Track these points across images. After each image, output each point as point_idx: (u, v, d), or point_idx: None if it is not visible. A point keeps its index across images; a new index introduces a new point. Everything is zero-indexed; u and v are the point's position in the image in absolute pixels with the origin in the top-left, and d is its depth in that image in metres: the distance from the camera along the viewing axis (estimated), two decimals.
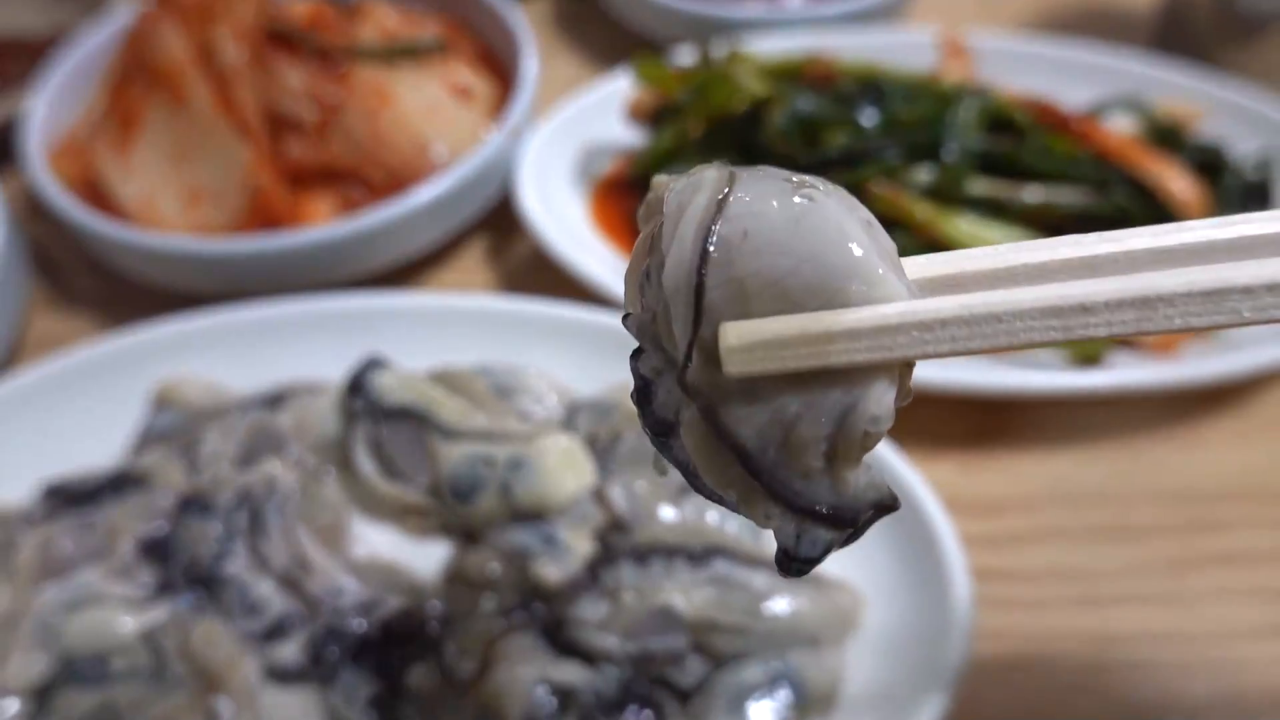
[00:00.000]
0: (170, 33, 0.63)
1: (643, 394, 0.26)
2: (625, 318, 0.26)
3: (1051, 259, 0.23)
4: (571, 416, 0.53)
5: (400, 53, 0.69)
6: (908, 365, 0.24)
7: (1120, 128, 0.66)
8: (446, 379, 0.53)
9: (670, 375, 0.25)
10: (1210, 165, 0.64)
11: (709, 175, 0.24)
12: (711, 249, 0.23)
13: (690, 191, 0.24)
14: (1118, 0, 0.86)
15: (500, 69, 0.74)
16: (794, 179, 0.24)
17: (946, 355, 0.22)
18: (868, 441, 0.23)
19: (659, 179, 0.26)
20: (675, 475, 0.46)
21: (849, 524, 0.23)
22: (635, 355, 0.26)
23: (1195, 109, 0.69)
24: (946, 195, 0.58)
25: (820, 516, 0.23)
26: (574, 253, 0.60)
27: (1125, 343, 0.56)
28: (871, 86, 0.62)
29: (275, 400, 0.55)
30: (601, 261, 0.62)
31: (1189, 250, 0.23)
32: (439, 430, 0.50)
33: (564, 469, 0.48)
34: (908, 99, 0.62)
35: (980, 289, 0.23)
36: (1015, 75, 0.71)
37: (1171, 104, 0.69)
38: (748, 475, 0.24)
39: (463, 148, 0.67)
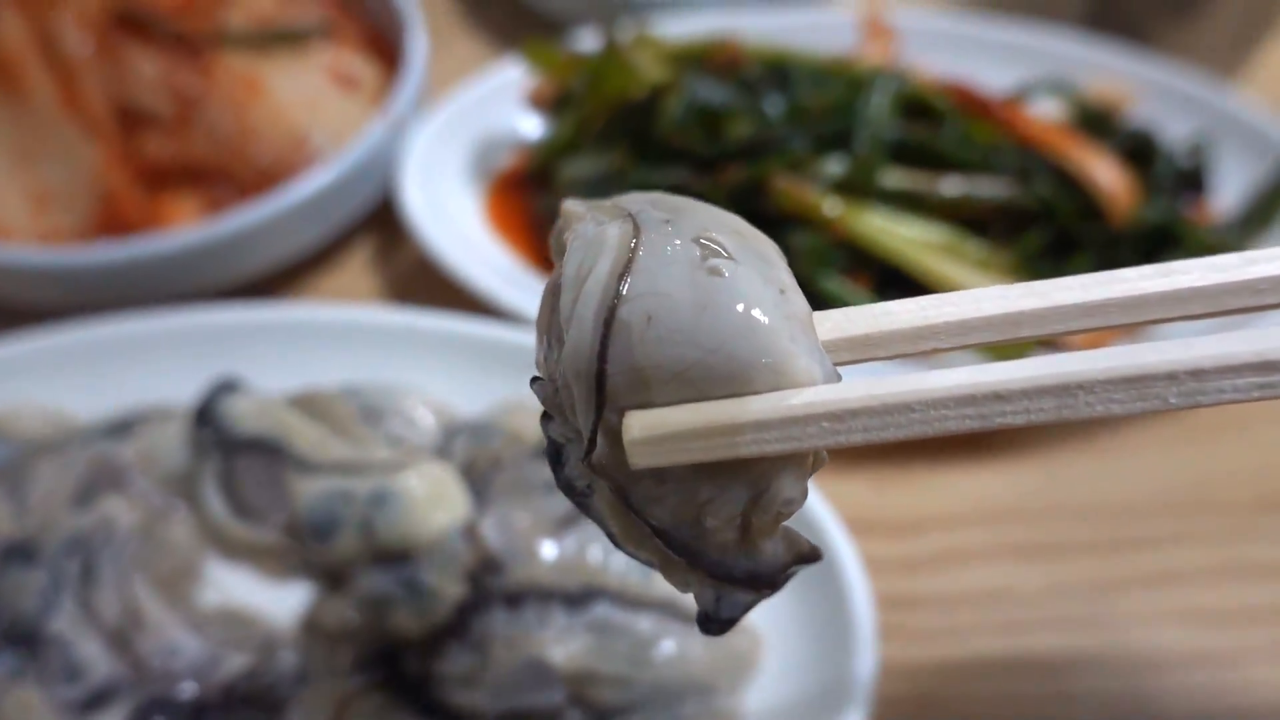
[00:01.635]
0: (8, 19, 0.56)
1: (554, 457, 0.25)
2: (533, 381, 0.25)
3: (975, 315, 0.22)
4: (449, 441, 0.48)
5: (275, 38, 0.64)
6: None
7: (1046, 112, 0.62)
8: (308, 403, 0.48)
9: (579, 445, 0.23)
10: (1141, 152, 0.61)
11: (611, 235, 0.23)
12: (612, 335, 0.22)
13: (592, 255, 0.23)
14: None
15: (391, 53, 0.69)
16: (704, 240, 0.22)
17: (859, 444, 0.22)
18: (780, 518, 0.23)
19: (569, 206, 0.25)
20: (560, 504, 0.42)
21: (767, 585, 0.23)
22: (545, 418, 0.25)
23: (1126, 91, 0.65)
24: (858, 188, 0.54)
25: (739, 581, 0.23)
26: (464, 259, 0.55)
27: (1050, 343, 0.52)
28: (779, 72, 0.58)
29: (121, 428, 0.49)
30: (494, 268, 0.57)
31: (1120, 305, 0.22)
32: (295, 463, 0.45)
33: (432, 502, 0.43)
34: (817, 84, 0.57)
35: (900, 348, 0.23)
36: (938, 57, 0.67)
37: (1102, 86, 0.65)
38: (664, 547, 0.23)
39: (345, 141, 0.62)
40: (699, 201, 0.25)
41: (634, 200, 0.24)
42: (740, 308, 0.21)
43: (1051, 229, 0.55)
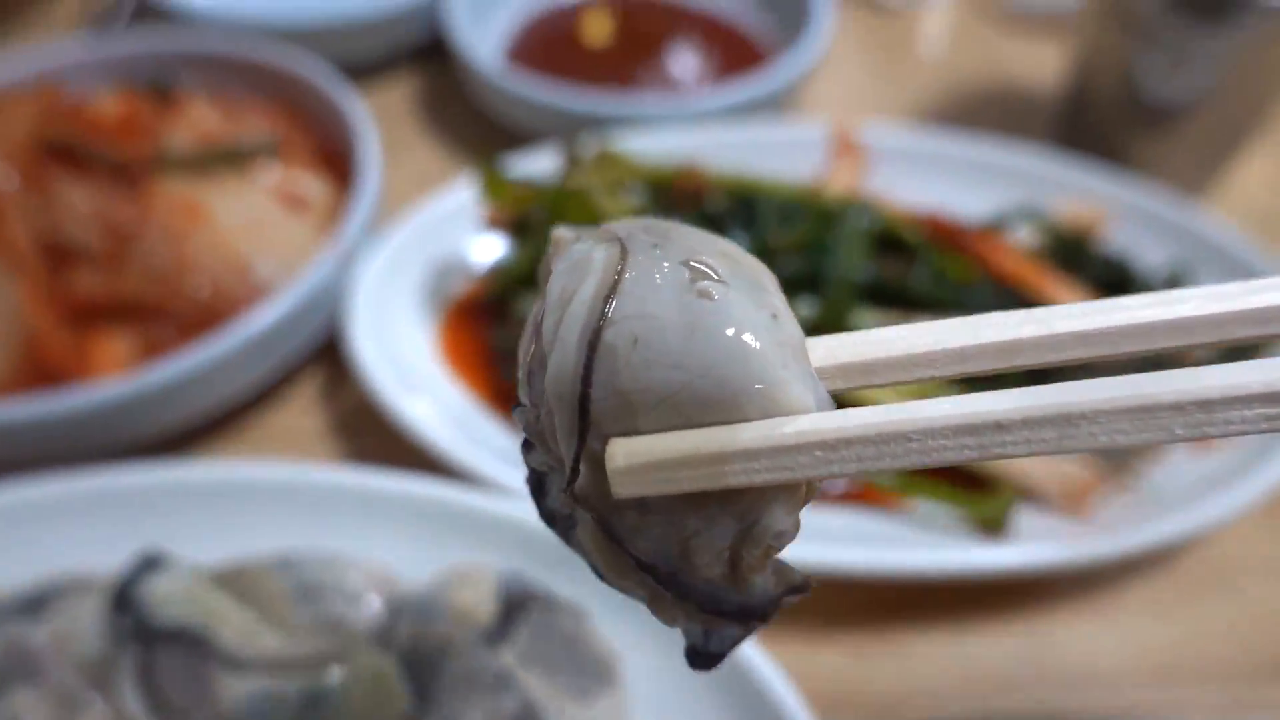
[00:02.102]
0: None
1: (535, 487, 0.23)
2: (515, 408, 0.24)
3: (971, 343, 0.21)
4: (392, 620, 0.44)
5: (219, 159, 0.61)
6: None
7: (1021, 240, 0.60)
8: (238, 580, 0.44)
9: (561, 474, 0.22)
10: (1116, 282, 0.59)
11: (597, 258, 0.22)
12: (596, 358, 0.21)
13: (577, 277, 0.22)
14: (1019, 87, 0.81)
15: (344, 167, 0.66)
16: (694, 263, 0.22)
17: (853, 474, 0.21)
18: (771, 551, 0.21)
19: (558, 233, 0.24)
20: (513, 702, 0.39)
21: (757, 618, 0.22)
22: (525, 446, 0.24)
23: (1099, 212, 0.63)
24: (830, 332, 0.51)
25: (727, 615, 0.22)
26: (412, 408, 0.52)
27: (1025, 492, 0.50)
28: (745, 204, 0.56)
29: (36, 605, 0.45)
30: (446, 410, 0.53)
31: (1120, 333, 0.21)
32: (222, 658, 0.41)
33: (370, 704, 0.40)
34: (786, 217, 0.55)
35: (895, 375, 0.22)
36: (910, 177, 0.66)
37: (1074, 207, 0.64)
38: (651, 581, 0.22)
39: (295, 269, 0.59)
40: (691, 227, 0.24)
41: (623, 225, 0.23)
42: (731, 332, 0.21)
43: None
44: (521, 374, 0.23)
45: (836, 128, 0.67)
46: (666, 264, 0.21)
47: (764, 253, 0.53)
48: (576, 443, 0.21)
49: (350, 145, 0.64)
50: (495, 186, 0.57)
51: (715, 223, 0.54)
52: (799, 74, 0.71)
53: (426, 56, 0.82)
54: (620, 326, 0.21)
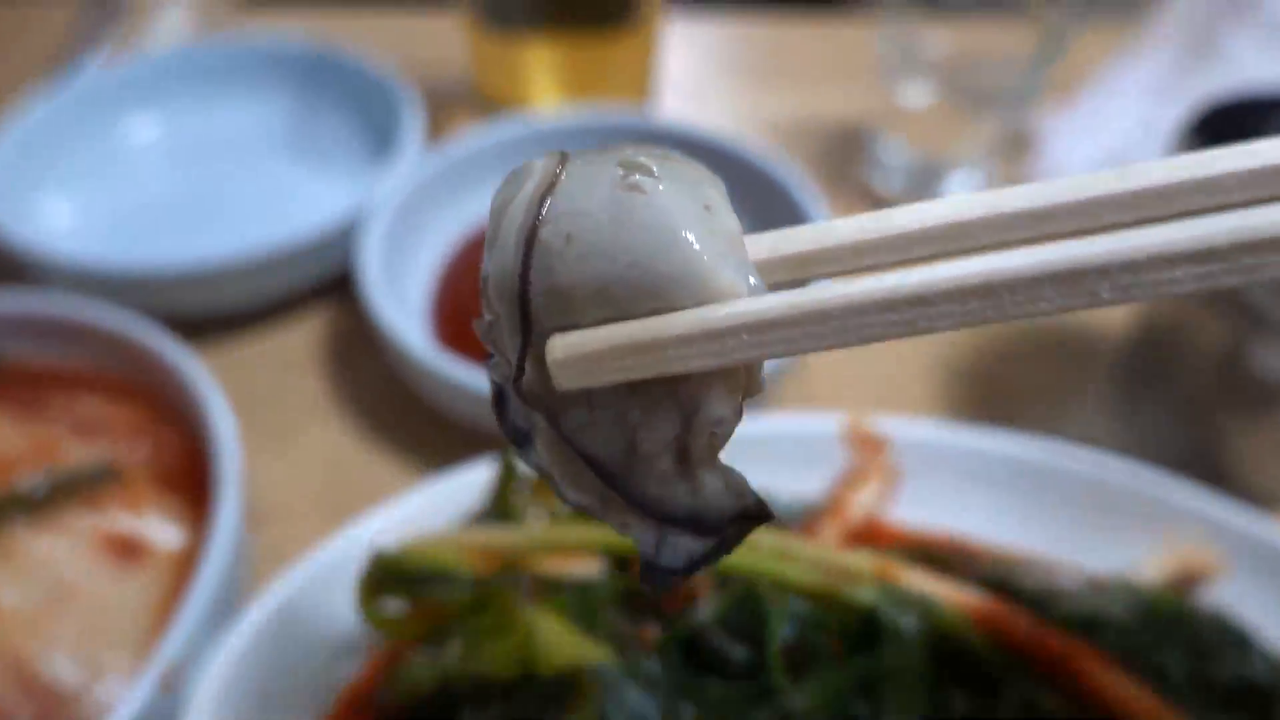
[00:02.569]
0: None
1: (498, 400, 0.24)
2: (475, 321, 0.24)
3: (918, 226, 0.21)
4: None
5: (13, 504, 0.44)
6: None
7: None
8: None
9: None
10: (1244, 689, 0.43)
11: (538, 165, 0.22)
12: (533, 256, 0.21)
13: (515, 185, 0.22)
14: (1073, 320, 0.67)
15: (203, 491, 0.49)
16: (627, 160, 0.22)
17: (783, 355, 0.21)
18: (714, 442, 0.22)
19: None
20: None
21: (711, 531, 0.22)
22: (488, 360, 0.24)
23: (1211, 561, 0.48)
24: None
25: (678, 522, 0.22)
26: None
27: None
28: (748, 608, 0.39)
29: None
30: None
31: (1072, 209, 0.21)
32: None
33: None
34: (809, 626, 0.39)
35: (841, 265, 0.22)
36: (930, 489, 0.51)
37: (1174, 554, 0.48)
38: (601, 482, 0.22)
39: (112, 663, 0.41)
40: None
41: (581, 152, 0.23)
42: (661, 222, 0.21)
43: None
44: (481, 285, 0.23)
45: (853, 425, 0.52)
46: (603, 163, 0.22)
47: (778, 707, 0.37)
48: (520, 341, 0.22)
49: (209, 459, 0.48)
50: (386, 625, 0.41)
51: (715, 663, 0.38)
52: None
53: (340, 289, 0.66)
54: (555, 225, 0.21)
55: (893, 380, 0.63)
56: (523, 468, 0.47)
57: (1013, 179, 0.74)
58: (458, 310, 0.62)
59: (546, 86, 0.76)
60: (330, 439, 0.59)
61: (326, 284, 0.65)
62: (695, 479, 0.22)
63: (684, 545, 0.22)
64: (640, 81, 0.78)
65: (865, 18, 1.00)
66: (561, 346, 0.21)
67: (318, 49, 0.77)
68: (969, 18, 0.73)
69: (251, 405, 0.60)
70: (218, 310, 0.62)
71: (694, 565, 0.22)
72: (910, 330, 0.20)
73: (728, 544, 0.22)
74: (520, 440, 0.23)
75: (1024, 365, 0.64)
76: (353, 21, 0.96)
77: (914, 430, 0.53)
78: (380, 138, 0.75)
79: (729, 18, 0.99)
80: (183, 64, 0.77)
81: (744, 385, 0.22)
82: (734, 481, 0.22)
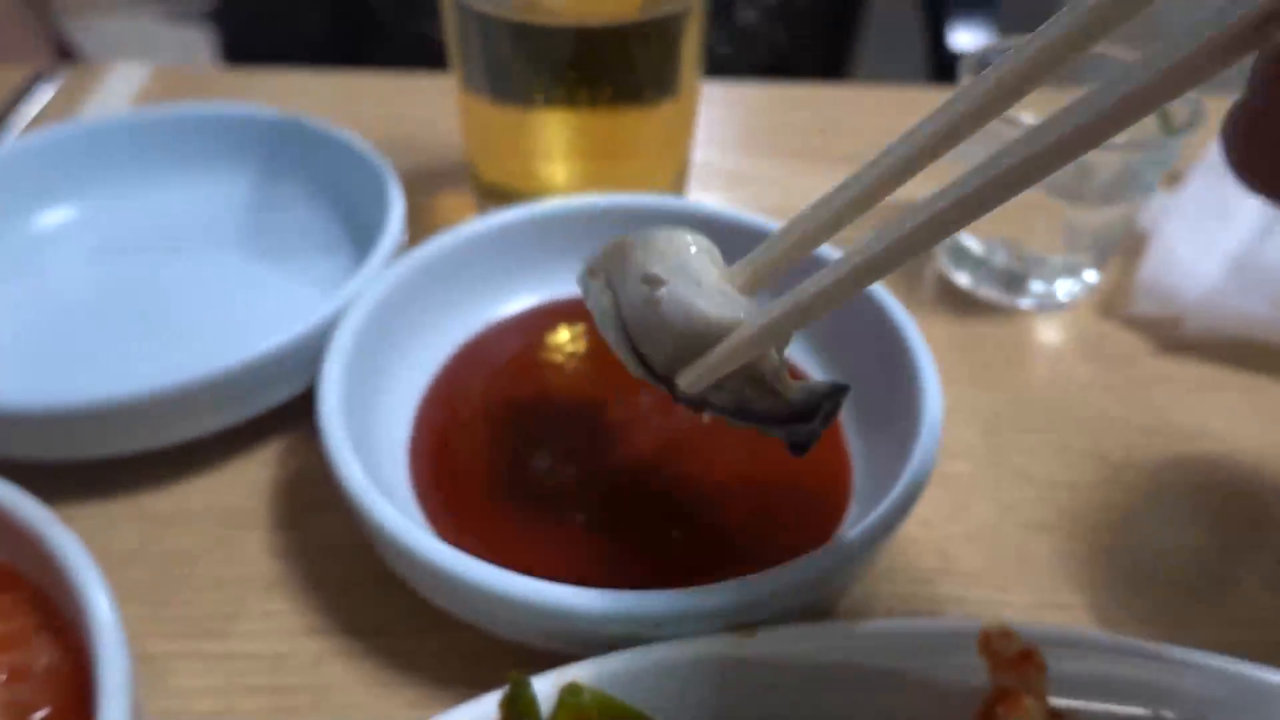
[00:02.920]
0: None
1: (669, 392, 0.37)
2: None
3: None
4: None
5: None
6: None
7: None
8: None
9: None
10: None
11: (606, 303, 0.37)
12: (640, 348, 0.36)
13: (604, 320, 0.37)
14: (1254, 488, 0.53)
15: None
16: (646, 278, 0.35)
17: (797, 328, 0.33)
18: (781, 373, 0.36)
19: (589, 264, 0.39)
20: None
21: (810, 415, 0.35)
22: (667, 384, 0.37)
23: None
24: None
25: (788, 419, 0.35)
26: None
27: None
28: None
29: None
30: None
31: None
32: None
33: None
34: None
35: (795, 260, 0.35)
36: None
37: None
38: (739, 420, 0.36)
39: None
40: (639, 236, 0.36)
41: (608, 261, 0.37)
42: (681, 311, 0.34)
43: None
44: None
45: (996, 632, 0.38)
46: (633, 289, 0.35)
47: None
48: (661, 382, 0.36)
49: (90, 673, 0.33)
50: None
51: None
52: (910, 493, 0.42)
53: (303, 410, 0.52)
54: (634, 330, 0.36)
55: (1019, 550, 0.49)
56: (539, 691, 0.33)
57: (1118, 282, 0.61)
58: (449, 451, 0.48)
59: (559, 168, 0.63)
60: (278, 633, 0.44)
61: (287, 404, 0.51)
62: (782, 395, 0.35)
63: (802, 430, 0.35)
64: (673, 162, 0.65)
65: (930, 85, 0.89)
66: (682, 381, 0.35)
67: (283, 119, 0.65)
68: (1066, 86, 0.61)
69: (168, 582, 0.45)
70: (133, 449, 0.48)
71: (814, 436, 0.36)
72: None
73: (827, 417, 0.35)
74: (695, 404, 0.36)
75: (1175, 530, 0.50)
76: (329, 83, 0.84)
77: (1077, 641, 0.38)
78: (355, 228, 0.62)
79: (770, 85, 0.87)
80: (114, 135, 0.63)
81: (777, 352, 0.36)
82: (807, 386, 0.36)
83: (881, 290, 0.50)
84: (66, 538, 0.38)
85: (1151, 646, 0.38)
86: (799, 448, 0.36)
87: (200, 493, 0.50)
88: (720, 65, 1.14)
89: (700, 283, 0.34)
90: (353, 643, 0.43)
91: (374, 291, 0.50)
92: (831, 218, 0.33)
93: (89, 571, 0.37)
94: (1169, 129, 0.58)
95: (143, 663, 0.42)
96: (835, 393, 0.35)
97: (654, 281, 0.35)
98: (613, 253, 0.37)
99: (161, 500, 0.49)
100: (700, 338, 0.34)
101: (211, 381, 0.46)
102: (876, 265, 0.30)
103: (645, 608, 0.36)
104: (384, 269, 0.52)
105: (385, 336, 0.50)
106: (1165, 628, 0.45)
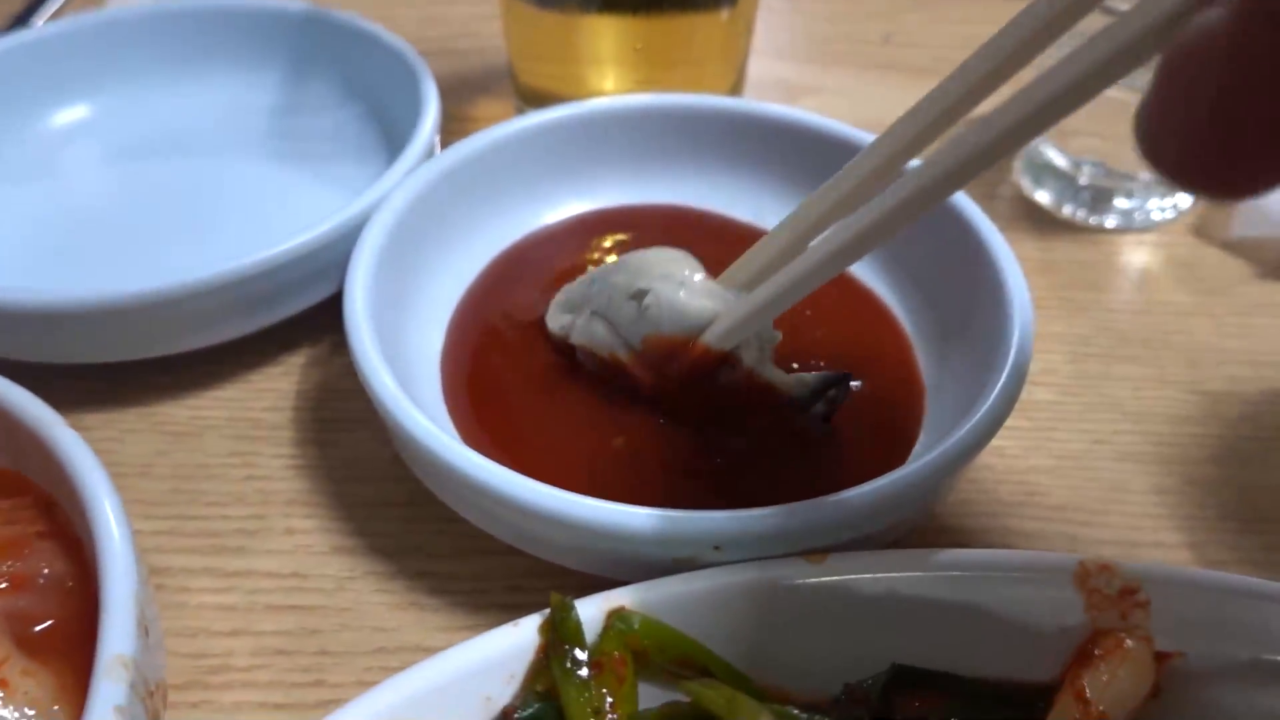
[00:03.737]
0: None
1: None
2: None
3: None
4: None
5: None
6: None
7: None
8: None
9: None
10: None
11: (600, 330, 0.41)
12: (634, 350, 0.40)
13: (601, 342, 0.41)
14: None
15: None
16: (634, 293, 0.40)
17: (761, 324, 0.38)
18: (766, 349, 0.40)
19: (560, 298, 0.45)
20: None
21: (817, 399, 0.40)
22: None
23: None
24: None
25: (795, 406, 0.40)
26: None
27: None
28: None
29: None
30: None
31: None
32: None
33: None
34: None
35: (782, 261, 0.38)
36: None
37: None
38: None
39: None
40: (623, 261, 0.42)
41: (597, 297, 0.42)
42: (672, 309, 0.38)
43: None
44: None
45: (1095, 566, 0.33)
46: (625, 309, 0.40)
47: None
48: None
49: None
50: None
51: None
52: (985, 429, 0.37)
53: (332, 317, 0.49)
54: (634, 343, 0.40)
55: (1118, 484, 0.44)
56: (583, 616, 0.29)
57: (1213, 213, 0.56)
58: (485, 366, 0.44)
59: (606, 75, 0.58)
60: (301, 554, 0.40)
61: (312, 312, 0.48)
62: (778, 379, 0.40)
63: (819, 410, 0.40)
64: (729, 70, 0.60)
65: None
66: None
67: (311, 12, 0.60)
68: None
69: (184, 496, 0.42)
70: (148, 353, 0.45)
71: (827, 418, 0.41)
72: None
73: (831, 401, 0.41)
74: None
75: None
76: None
77: (1185, 580, 0.34)
78: (388, 131, 0.58)
79: None
80: (133, 28, 0.59)
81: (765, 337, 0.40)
82: (803, 379, 0.40)
83: (967, 201, 0.45)
84: (74, 441, 0.35)
85: (1263, 584, 0.33)
86: (820, 433, 0.41)
87: (220, 404, 0.46)
88: None
89: (684, 284, 0.39)
90: (381, 563, 0.40)
91: (404, 193, 0.46)
92: (819, 218, 0.36)
93: (95, 474, 0.34)
94: None
95: (156, 577, 0.39)
96: (837, 380, 0.40)
97: (640, 295, 0.39)
98: (588, 288, 0.43)
99: (179, 410, 0.46)
100: (695, 326, 0.38)
101: (231, 280, 0.42)
102: (846, 251, 0.33)
103: (705, 526, 0.32)
104: (416, 170, 0.48)
105: (417, 241, 0.46)
106: (1273, 569, 0.40)
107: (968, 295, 0.44)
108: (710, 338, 0.38)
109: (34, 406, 0.36)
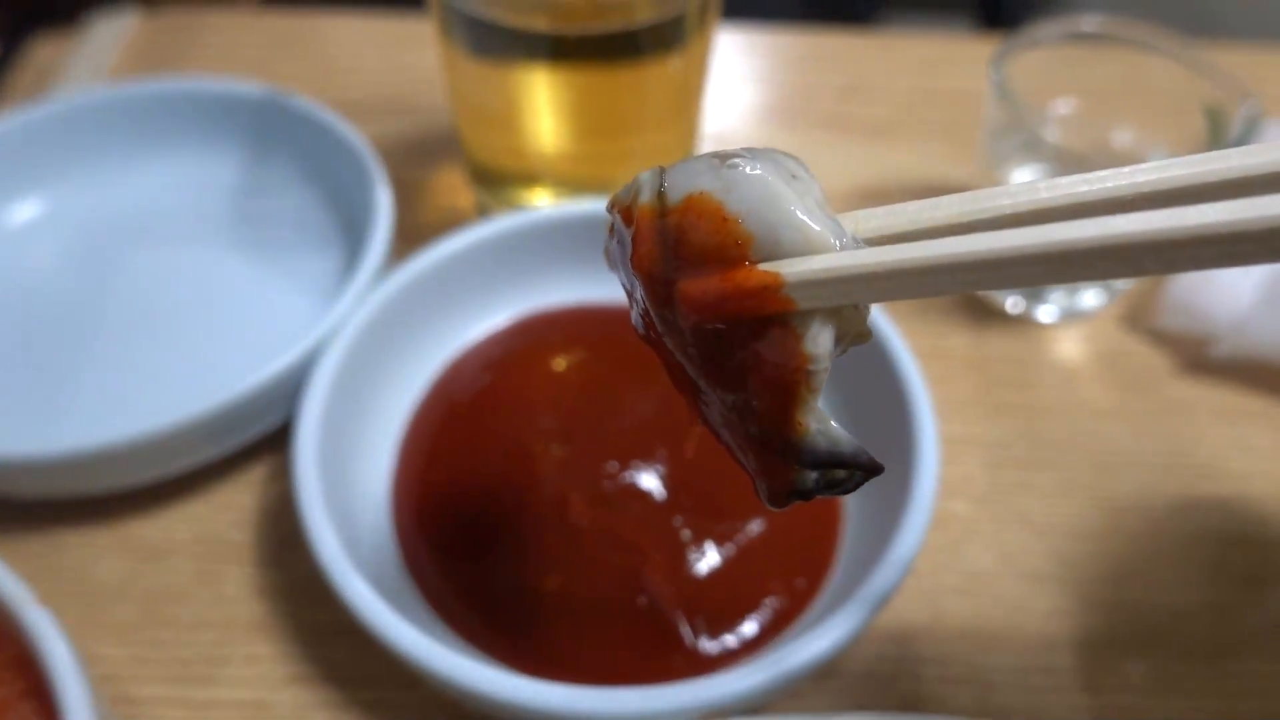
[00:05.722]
0: None
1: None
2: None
3: (1019, 208, 0.23)
4: None
5: None
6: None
7: None
8: None
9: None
10: None
11: (644, 178, 0.27)
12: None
13: (633, 187, 0.27)
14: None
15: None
16: (718, 154, 0.26)
17: (875, 301, 0.25)
18: (811, 381, 0.25)
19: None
20: None
21: (809, 465, 0.26)
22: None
23: None
24: None
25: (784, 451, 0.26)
26: None
27: None
28: None
29: None
30: None
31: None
32: None
33: None
34: None
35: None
36: None
37: None
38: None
39: None
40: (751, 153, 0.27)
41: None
42: (762, 185, 0.25)
43: None
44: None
45: None
46: (696, 161, 0.26)
47: None
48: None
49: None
50: None
51: None
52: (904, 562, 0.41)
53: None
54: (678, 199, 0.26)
55: None
56: None
57: (1149, 291, 0.58)
58: (430, 499, 0.47)
59: (552, 133, 0.58)
60: (261, 680, 0.44)
61: (270, 431, 0.51)
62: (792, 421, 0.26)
63: (807, 478, 0.27)
64: (681, 122, 0.59)
65: (978, 34, 0.81)
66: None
67: (264, 98, 0.61)
68: None
69: (154, 622, 0.46)
70: (109, 488, 0.48)
71: (802, 492, 0.27)
72: (975, 288, 0.23)
73: (832, 486, 0.27)
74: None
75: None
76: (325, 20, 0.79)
77: None
78: (343, 214, 0.59)
79: (792, 30, 0.81)
80: (84, 114, 0.60)
81: (845, 333, 0.26)
82: (830, 432, 0.27)
83: (887, 329, 0.47)
84: (45, 623, 0.38)
85: None
86: (779, 497, 0.27)
87: (186, 521, 0.49)
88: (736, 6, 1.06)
89: (796, 177, 0.25)
90: (335, 693, 0.44)
91: (350, 328, 0.48)
92: (1000, 221, 0.24)
93: (66, 663, 0.37)
94: (1217, 136, 0.53)
95: (128, 707, 0.43)
96: (855, 461, 0.26)
97: (731, 156, 0.26)
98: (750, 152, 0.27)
99: (149, 530, 0.49)
100: (773, 231, 0.24)
101: (184, 427, 0.45)
102: (1044, 259, 0.22)
103: (604, 706, 0.36)
104: (365, 295, 0.50)
105: (366, 368, 0.49)
106: (1158, 696, 0.44)
107: (886, 432, 0.46)
108: (786, 270, 0.24)
109: (8, 583, 0.39)
